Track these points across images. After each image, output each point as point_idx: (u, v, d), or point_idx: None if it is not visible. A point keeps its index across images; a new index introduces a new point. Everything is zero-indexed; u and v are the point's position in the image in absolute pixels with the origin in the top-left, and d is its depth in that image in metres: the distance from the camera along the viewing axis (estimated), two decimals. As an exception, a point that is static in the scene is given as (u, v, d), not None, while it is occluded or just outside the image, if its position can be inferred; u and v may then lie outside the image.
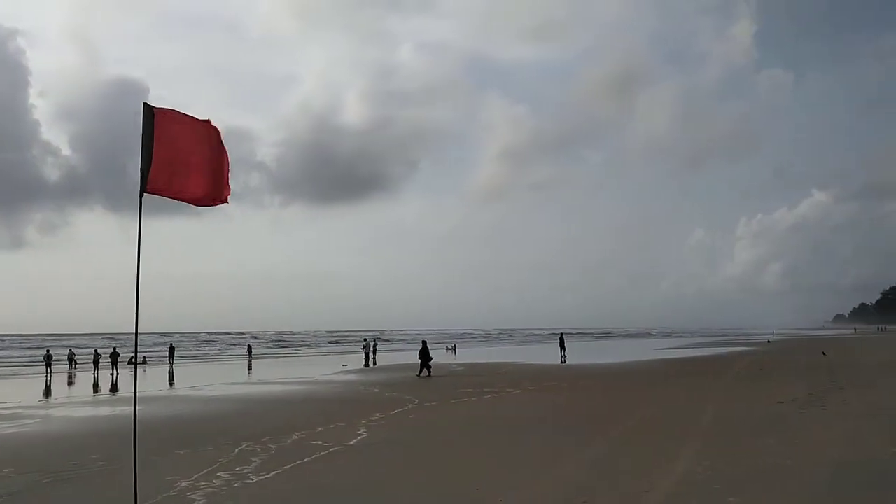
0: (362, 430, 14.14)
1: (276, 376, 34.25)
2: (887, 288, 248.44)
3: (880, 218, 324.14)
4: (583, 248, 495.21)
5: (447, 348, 71.97)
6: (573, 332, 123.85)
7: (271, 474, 9.95)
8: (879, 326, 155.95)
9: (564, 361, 41.69)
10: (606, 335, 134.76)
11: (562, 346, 45.38)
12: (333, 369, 38.29)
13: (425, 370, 30.68)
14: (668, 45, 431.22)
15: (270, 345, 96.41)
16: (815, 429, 12.43)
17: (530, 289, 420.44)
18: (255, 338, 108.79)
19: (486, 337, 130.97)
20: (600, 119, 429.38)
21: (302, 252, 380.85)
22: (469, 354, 58.18)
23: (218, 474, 9.94)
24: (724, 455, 10.17)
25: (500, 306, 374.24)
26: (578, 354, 55.16)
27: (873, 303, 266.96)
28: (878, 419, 13.38)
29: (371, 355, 46.00)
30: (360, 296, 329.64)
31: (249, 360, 52.99)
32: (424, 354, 31.48)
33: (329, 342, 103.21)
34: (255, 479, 9.63)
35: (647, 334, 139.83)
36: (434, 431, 14.53)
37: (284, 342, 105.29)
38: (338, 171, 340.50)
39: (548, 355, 51.36)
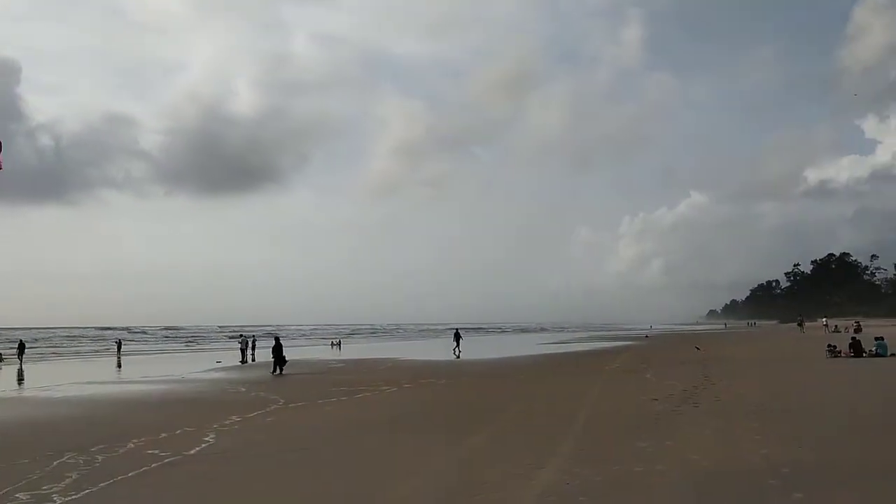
0: (210, 437, 12.76)
1: (143, 374, 31.84)
2: (755, 285, 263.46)
3: (754, 218, 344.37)
4: (475, 245, 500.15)
5: (332, 343, 70.18)
6: (469, 327, 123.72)
7: (80, 494, 8.52)
8: (750, 322, 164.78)
9: (458, 356, 41.29)
10: (500, 330, 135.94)
11: (456, 341, 44.91)
12: (206, 366, 36.10)
13: (278, 368, 29.44)
14: (561, 47, 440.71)
15: (156, 340, 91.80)
16: (688, 430, 12.00)
17: (423, 284, 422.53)
18: (145, 332, 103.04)
19: (379, 332, 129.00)
20: (494, 117, 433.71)
21: (188, 244, 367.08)
22: (355, 350, 56.81)
23: (16, 496, 8.41)
24: (595, 461, 9.49)
25: (392, 302, 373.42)
26: (469, 349, 54.76)
27: (743, 299, 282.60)
28: (748, 417, 13.16)
29: (250, 352, 44.01)
30: (251, 289, 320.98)
31: (118, 357, 49.57)
32: (278, 352, 30.21)
33: (227, 337, 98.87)
34: (58, 502, 8.16)
35: (541, 329, 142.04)
36: (291, 436, 13.28)
37: (171, 337, 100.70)
38: (226, 162, 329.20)
39: (437, 351, 50.96)
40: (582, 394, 18.51)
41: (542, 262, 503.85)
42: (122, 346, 57.36)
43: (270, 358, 30.80)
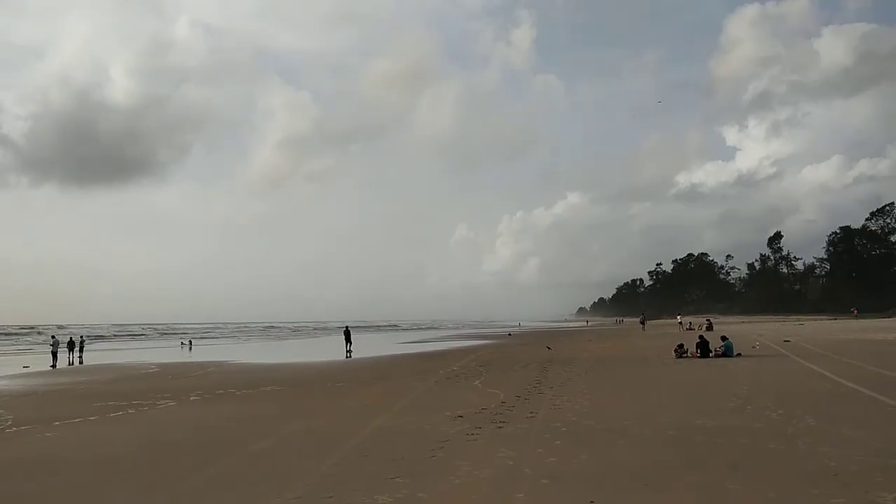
0: None
1: None
2: (622, 283, 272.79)
3: (628, 219, 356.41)
4: (360, 242, 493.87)
5: (182, 343, 64.67)
6: (355, 324, 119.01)
7: None
8: (618, 319, 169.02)
9: (349, 356, 39.25)
10: (376, 328, 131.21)
11: (347, 340, 42.48)
12: (13, 371, 30.94)
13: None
14: (453, 45, 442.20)
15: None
16: (464, 467, 9.16)
17: (304, 282, 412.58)
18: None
19: (253, 331, 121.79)
20: (383, 113, 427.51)
21: (54, 237, 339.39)
22: (204, 351, 51.89)
23: None
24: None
25: (271, 299, 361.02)
26: (318, 351, 51.49)
27: (610, 297, 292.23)
28: (550, 446, 10.53)
29: (76, 353, 40.15)
30: (122, 287, 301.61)
31: None
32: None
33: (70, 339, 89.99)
34: None
35: (415, 327, 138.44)
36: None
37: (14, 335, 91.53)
38: (99, 151, 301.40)
39: (303, 352, 48.05)
40: (385, 407, 15.52)
41: (425, 259, 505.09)
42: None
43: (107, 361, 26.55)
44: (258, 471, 9.59)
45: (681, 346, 29.07)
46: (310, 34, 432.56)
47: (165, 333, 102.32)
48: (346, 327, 45.93)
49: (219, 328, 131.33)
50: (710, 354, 27.54)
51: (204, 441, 12.30)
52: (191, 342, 64.66)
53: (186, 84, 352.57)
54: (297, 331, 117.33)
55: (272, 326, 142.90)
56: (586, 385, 18.97)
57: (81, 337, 48.14)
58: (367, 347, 51.98)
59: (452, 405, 15.37)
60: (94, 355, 47.47)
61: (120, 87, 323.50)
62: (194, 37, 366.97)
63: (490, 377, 22.43)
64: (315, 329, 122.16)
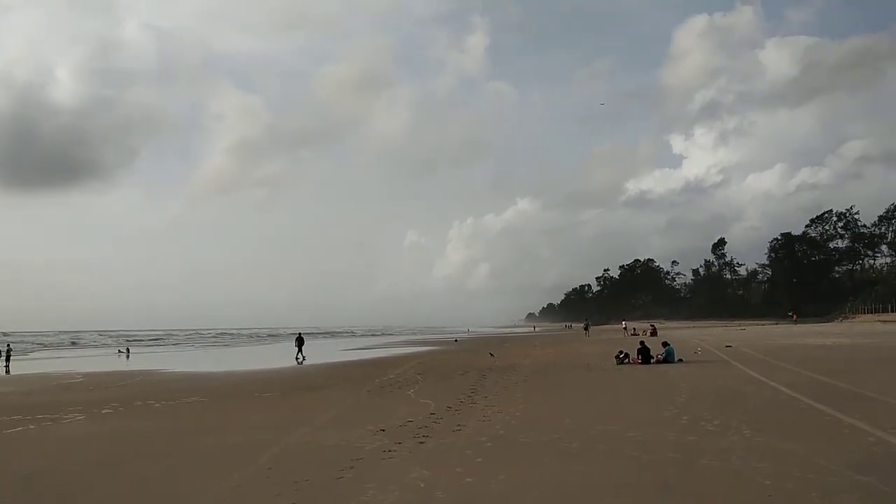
0: None
1: None
2: (569, 289, 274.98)
3: (578, 225, 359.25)
4: (311, 248, 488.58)
5: (119, 351, 62.20)
6: (309, 331, 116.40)
7: None
8: (567, 324, 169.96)
9: (301, 362, 38.88)
10: (326, 335, 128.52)
11: (299, 346, 41.86)
12: None
13: None
14: (407, 51, 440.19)
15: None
16: (369, 492, 8.25)
17: (256, 288, 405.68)
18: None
19: (202, 338, 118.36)
20: (337, 119, 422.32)
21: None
22: (143, 360, 49.89)
23: None
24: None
25: (226, 305, 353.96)
26: (260, 358, 50.06)
27: (559, 303, 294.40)
28: (471, 464, 9.72)
29: (0, 362, 39.76)
30: (63, 293, 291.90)
31: None
32: None
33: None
34: None
35: (366, 333, 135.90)
36: None
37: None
38: (42, 153, 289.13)
39: (247, 359, 46.45)
40: (308, 420, 14.57)
41: (377, 265, 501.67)
42: None
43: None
44: (139, 497, 8.56)
45: (621, 352, 28.70)
46: (261, 38, 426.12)
47: (117, 339, 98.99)
48: (300, 334, 45.01)
49: (172, 335, 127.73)
50: (652, 361, 27.21)
51: (91, 462, 11.13)
52: (128, 350, 62.29)
53: (135, 86, 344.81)
54: (251, 337, 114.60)
55: (225, 333, 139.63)
56: (523, 394, 18.27)
57: (8, 345, 45.88)
58: (311, 355, 50.62)
59: (379, 417, 14.49)
60: (27, 364, 45.34)
61: (66, 88, 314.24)
62: (143, 39, 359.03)
63: (425, 386, 21.59)
64: (269, 336, 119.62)
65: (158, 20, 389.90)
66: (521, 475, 8.87)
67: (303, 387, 23.62)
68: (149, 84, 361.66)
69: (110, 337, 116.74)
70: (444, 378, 24.33)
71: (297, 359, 40.51)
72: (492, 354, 37.52)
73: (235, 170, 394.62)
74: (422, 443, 11.34)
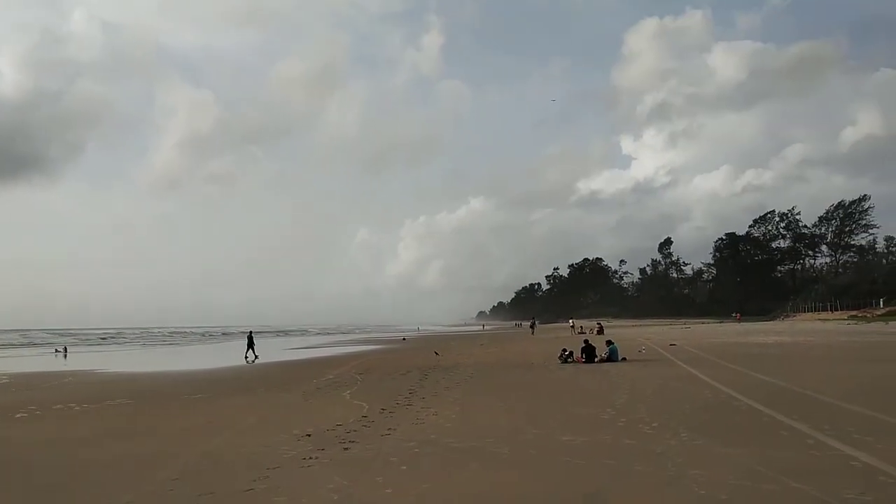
0: None
1: None
2: (520, 288, 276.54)
3: (529, 225, 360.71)
4: (261, 245, 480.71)
5: (56, 351, 59.76)
6: (261, 329, 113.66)
7: None
8: (517, 323, 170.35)
9: (252, 361, 38.42)
10: (276, 333, 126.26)
11: (250, 345, 41.54)
12: None
13: None
14: (361, 48, 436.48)
15: None
16: (276, 506, 7.54)
17: (207, 286, 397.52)
18: None
19: (150, 337, 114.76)
20: (289, 114, 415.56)
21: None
22: (84, 359, 47.90)
23: None
24: None
25: (177, 303, 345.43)
26: (205, 356, 48.70)
27: (509, 301, 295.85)
28: (392, 469, 9.06)
29: None
30: (9, 289, 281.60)
31: None
32: None
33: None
34: None
35: (318, 332, 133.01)
36: None
37: None
38: None
39: (191, 359, 44.39)
40: (231, 425, 13.78)
41: (327, 263, 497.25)
42: None
43: None
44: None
45: (565, 350, 28.44)
46: (212, 32, 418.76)
47: (68, 339, 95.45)
48: (250, 332, 44.27)
49: (122, 334, 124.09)
50: (596, 360, 26.98)
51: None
52: (66, 349, 59.94)
53: (81, 79, 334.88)
54: (204, 336, 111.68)
55: (177, 332, 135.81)
56: (461, 394, 17.74)
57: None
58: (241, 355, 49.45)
59: (308, 421, 13.78)
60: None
61: (8, 79, 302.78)
62: (90, 31, 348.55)
63: (363, 386, 20.92)
64: (223, 334, 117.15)
65: (106, 12, 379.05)
66: (445, 485, 8.30)
67: (238, 388, 22.69)
68: (96, 77, 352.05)
69: (62, 336, 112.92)
70: (384, 378, 23.68)
71: (246, 357, 39.85)
72: (437, 353, 37.00)
73: (185, 165, 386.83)
74: (346, 449, 10.69)
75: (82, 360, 45.65)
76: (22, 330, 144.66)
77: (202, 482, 8.83)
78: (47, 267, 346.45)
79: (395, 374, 24.90)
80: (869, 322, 67.54)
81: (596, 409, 14.03)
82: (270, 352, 51.58)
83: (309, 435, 12.06)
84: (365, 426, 12.85)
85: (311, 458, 10.08)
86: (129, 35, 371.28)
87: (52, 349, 63.46)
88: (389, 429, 12.46)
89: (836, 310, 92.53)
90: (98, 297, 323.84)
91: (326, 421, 13.65)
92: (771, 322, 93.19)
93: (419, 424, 12.84)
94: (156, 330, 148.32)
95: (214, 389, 22.45)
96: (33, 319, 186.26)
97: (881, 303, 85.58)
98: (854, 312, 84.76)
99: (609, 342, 28.72)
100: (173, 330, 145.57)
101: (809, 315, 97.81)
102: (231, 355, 44.27)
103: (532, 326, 74.61)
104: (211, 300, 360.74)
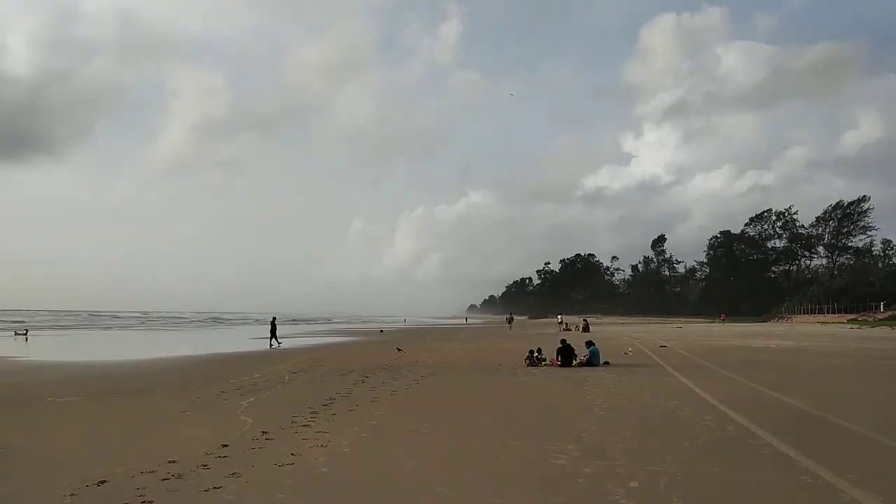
0: None
1: None
2: (511, 282, 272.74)
3: (533, 219, 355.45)
4: (268, 231, 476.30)
5: (16, 333, 55.15)
6: (235, 315, 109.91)
7: None
8: (507, 317, 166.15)
9: (276, 347, 38.46)
10: (259, 321, 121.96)
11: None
12: None
13: None
14: (379, 36, 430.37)
15: None
16: None
17: (204, 271, 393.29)
18: None
19: (150, 320, 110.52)
20: (303, 101, 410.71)
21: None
22: (43, 344, 43.87)
23: None
24: None
25: (175, 287, 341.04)
26: (169, 343, 44.79)
27: (500, 295, 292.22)
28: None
29: None
30: (6, 270, 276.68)
31: None
32: None
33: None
34: None
35: (312, 321, 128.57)
36: None
37: None
38: None
39: (148, 346, 40.69)
40: (27, 451, 9.51)
41: (331, 251, 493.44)
42: None
43: None
44: None
45: (532, 352, 24.26)
46: (227, 17, 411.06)
47: (77, 318, 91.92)
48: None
49: (117, 315, 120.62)
50: (574, 363, 22.85)
51: None
52: (27, 332, 55.42)
53: (93, 60, 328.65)
54: (192, 322, 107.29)
55: (173, 317, 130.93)
56: (387, 411, 13.48)
57: None
58: (211, 344, 45.43)
59: (144, 449, 9.58)
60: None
61: (19, 57, 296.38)
62: (104, 11, 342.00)
63: (279, 392, 16.77)
64: (213, 320, 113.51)
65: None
66: None
67: (126, 388, 18.40)
68: (107, 58, 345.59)
69: (66, 316, 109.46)
70: (317, 380, 19.53)
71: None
72: (399, 349, 32.89)
73: (194, 149, 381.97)
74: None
75: (38, 347, 41.25)
76: (16, 310, 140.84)
77: None
78: (48, 247, 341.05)
79: (333, 375, 20.74)
80: (872, 326, 63.73)
81: (552, 445, 9.82)
82: (228, 342, 47.66)
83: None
84: (203, 466, 8.52)
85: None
86: (143, 16, 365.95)
87: (12, 331, 58.64)
88: (240, 470, 8.24)
89: (833, 312, 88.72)
90: (95, 278, 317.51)
91: (168, 451, 9.38)
92: (767, 323, 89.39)
93: (283, 467, 8.56)
94: (154, 314, 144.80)
95: (97, 389, 18.18)
96: (34, 299, 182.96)
97: (881, 306, 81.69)
98: (853, 316, 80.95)
99: (589, 343, 24.50)
100: (163, 315, 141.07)
101: (806, 317, 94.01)
102: (180, 344, 40.21)
103: (509, 322, 70.41)
104: (211, 286, 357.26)
